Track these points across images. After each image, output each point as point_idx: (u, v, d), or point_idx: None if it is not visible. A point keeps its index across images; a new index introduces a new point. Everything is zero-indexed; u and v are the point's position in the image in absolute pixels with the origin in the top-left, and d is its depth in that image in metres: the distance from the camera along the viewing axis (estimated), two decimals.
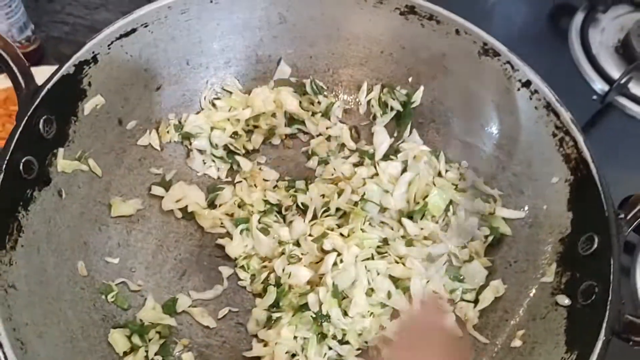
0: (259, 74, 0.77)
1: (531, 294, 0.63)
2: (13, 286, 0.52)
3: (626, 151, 0.89)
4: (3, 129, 0.76)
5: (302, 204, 0.72)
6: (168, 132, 0.72)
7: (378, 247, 0.68)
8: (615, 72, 0.98)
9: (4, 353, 0.47)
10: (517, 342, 0.60)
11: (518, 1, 1.13)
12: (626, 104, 0.95)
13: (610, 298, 0.52)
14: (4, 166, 0.54)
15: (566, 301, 0.58)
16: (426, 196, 0.69)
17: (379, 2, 0.72)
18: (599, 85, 0.98)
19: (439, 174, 0.73)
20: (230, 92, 0.76)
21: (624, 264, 0.74)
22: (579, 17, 1.07)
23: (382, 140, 0.75)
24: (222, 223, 0.70)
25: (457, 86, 0.73)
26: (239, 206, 0.71)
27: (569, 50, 1.04)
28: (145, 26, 0.67)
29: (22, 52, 0.85)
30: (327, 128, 0.77)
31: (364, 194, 0.70)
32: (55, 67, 0.61)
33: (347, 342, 0.63)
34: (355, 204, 0.70)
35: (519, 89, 0.67)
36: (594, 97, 0.97)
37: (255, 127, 0.75)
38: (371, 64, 0.77)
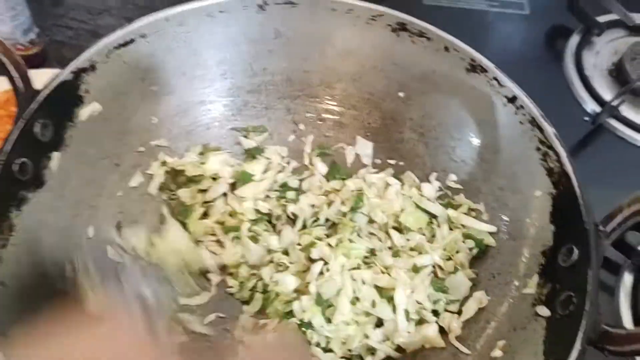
0: (254, 87, 0.79)
1: (513, 305, 0.63)
2: (2, 283, 0.54)
3: (615, 172, 0.90)
4: (3, 130, 0.78)
5: (292, 213, 0.73)
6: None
7: (365, 257, 0.69)
8: (608, 95, 0.99)
9: None
10: (497, 352, 0.60)
11: (515, 22, 1.15)
12: (617, 127, 0.96)
13: (586, 308, 0.53)
14: (0, 167, 0.56)
15: (546, 312, 0.59)
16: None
17: (371, 18, 0.74)
18: (591, 107, 0.99)
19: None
20: None
21: (608, 284, 0.75)
22: (574, 40, 1.09)
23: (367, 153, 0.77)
24: (213, 231, 0.72)
25: (447, 101, 0.74)
26: (230, 215, 0.73)
27: (563, 71, 1.06)
28: (144, 37, 0.70)
29: (24, 54, 0.90)
30: None
31: (353, 204, 0.71)
32: (56, 71, 0.63)
33: (331, 350, 0.64)
34: (344, 215, 0.71)
35: (505, 104, 0.69)
36: (586, 118, 0.98)
37: None
38: (364, 79, 0.79)
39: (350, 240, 0.69)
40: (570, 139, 0.96)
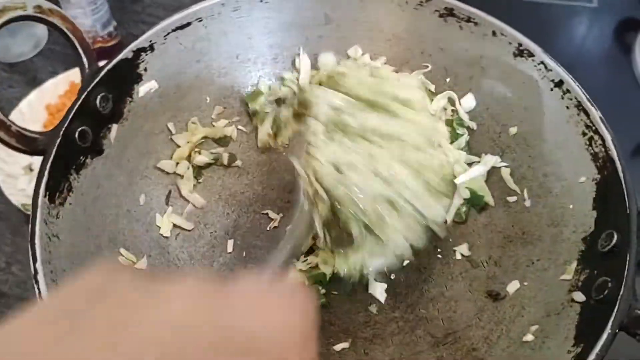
0: None
1: (549, 292, 0.62)
2: (57, 236, 0.59)
3: None
4: None
5: None
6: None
7: None
8: None
9: (39, 289, 0.53)
10: (529, 337, 0.59)
11: (583, 15, 1.11)
12: None
13: (621, 293, 0.51)
14: (62, 131, 0.61)
15: (581, 297, 0.57)
16: None
17: (419, 4, 0.75)
18: None
19: None
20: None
21: None
22: None
23: None
24: None
25: (493, 86, 0.73)
26: None
27: (632, 66, 1.02)
28: (200, 20, 0.74)
29: (103, 46, 0.97)
30: None
31: None
32: None
33: None
34: None
35: (551, 89, 0.67)
36: None
37: None
38: (412, 64, 0.79)
39: None
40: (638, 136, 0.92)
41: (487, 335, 0.63)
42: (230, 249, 0.71)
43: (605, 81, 1.02)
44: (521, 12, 1.12)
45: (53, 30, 0.65)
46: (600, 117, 0.62)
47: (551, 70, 0.67)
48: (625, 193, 0.57)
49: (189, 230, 0.72)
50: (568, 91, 0.66)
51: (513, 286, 0.65)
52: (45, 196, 0.58)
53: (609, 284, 0.54)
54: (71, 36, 0.65)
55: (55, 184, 0.60)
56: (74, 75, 0.93)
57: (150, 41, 0.71)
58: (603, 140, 0.61)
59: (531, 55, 0.69)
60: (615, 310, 0.50)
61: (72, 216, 0.62)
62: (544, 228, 0.67)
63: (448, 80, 0.77)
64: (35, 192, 0.58)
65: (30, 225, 0.56)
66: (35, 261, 0.54)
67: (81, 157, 0.65)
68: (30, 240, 0.55)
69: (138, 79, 0.71)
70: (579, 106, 0.64)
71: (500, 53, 0.71)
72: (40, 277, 0.54)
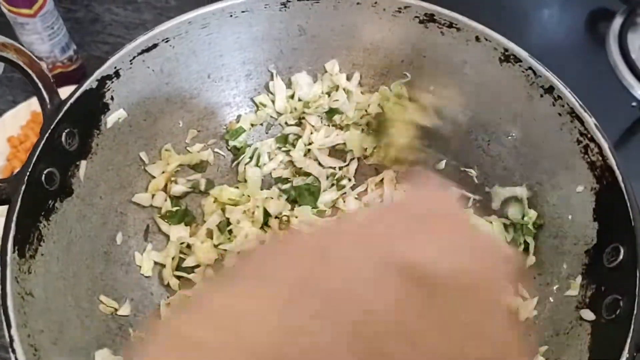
0: None
1: (555, 309, 0.60)
2: (30, 294, 0.54)
3: None
4: None
5: None
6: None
7: None
8: None
9: (16, 359, 0.49)
10: (539, 359, 0.57)
11: (554, 6, 1.10)
12: None
13: (635, 313, 0.49)
14: (26, 178, 0.56)
15: (590, 316, 0.55)
16: None
17: (397, 10, 0.72)
18: (639, 92, 0.94)
19: None
20: None
21: None
22: (617, 22, 1.03)
23: None
24: None
25: (479, 94, 0.71)
26: None
27: (607, 56, 1.01)
28: (167, 41, 0.69)
29: (64, 71, 0.91)
30: None
31: None
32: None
33: None
34: None
35: (542, 96, 0.65)
36: (634, 104, 0.93)
37: None
38: (392, 73, 0.76)
39: None
40: (617, 126, 0.92)
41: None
42: None
43: (580, 72, 1.00)
44: (492, 4, 1.10)
45: None
46: (595, 124, 0.60)
47: (540, 76, 0.65)
48: (628, 203, 0.55)
49: None
50: (559, 97, 0.63)
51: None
52: (14, 251, 0.53)
53: (621, 303, 0.52)
54: (28, 70, 0.60)
55: (24, 235, 0.55)
56: (35, 104, 0.86)
57: (115, 67, 0.66)
58: (600, 148, 0.59)
59: (518, 60, 0.66)
60: (631, 331, 0.49)
61: (45, 268, 0.57)
62: (542, 239, 0.65)
63: (431, 88, 0.74)
64: (2, 248, 0.53)
65: (0, 286, 0.51)
66: (9, 327, 0.50)
67: (50, 202, 0.60)
68: (2, 304, 0.50)
69: (105, 109, 0.66)
70: (572, 113, 0.62)
71: (485, 59, 0.69)
72: (16, 344, 0.49)
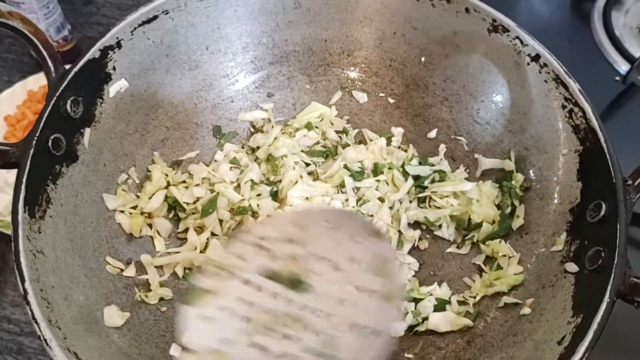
0: (276, 58, 0.80)
1: (541, 264, 0.63)
2: (41, 252, 0.56)
3: None
4: None
5: None
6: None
7: None
8: (638, 53, 0.97)
9: (31, 310, 0.51)
10: (526, 310, 0.61)
11: None
12: None
13: (615, 261, 0.53)
14: (34, 142, 0.58)
15: (574, 268, 0.59)
16: None
17: None
18: (623, 67, 0.97)
19: None
20: None
21: None
22: (601, 1, 1.06)
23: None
24: None
25: (469, 64, 0.74)
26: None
27: (592, 33, 1.04)
28: (166, 13, 0.71)
29: (59, 50, 0.92)
30: None
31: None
32: None
33: None
34: None
35: (528, 64, 0.68)
36: (617, 78, 0.96)
37: None
38: (385, 45, 0.79)
39: None
40: (602, 100, 0.95)
41: (482, 311, 0.64)
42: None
43: (566, 49, 1.03)
44: None
45: (5, 37, 0.61)
46: (579, 89, 0.63)
47: (527, 44, 0.68)
48: (610, 163, 0.58)
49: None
50: (545, 65, 0.66)
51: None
52: (25, 211, 0.55)
53: (602, 254, 0.55)
54: (34, 39, 0.61)
55: (33, 197, 0.57)
56: (32, 83, 0.88)
57: (117, 38, 0.68)
58: (584, 112, 0.62)
59: (506, 30, 0.69)
60: (612, 278, 0.52)
61: (54, 229, 0.59)
62: (529, 201, 0.68)
63: (423, 59, 0.77)
64: (14, 208, 0.55)
65: (13, 244, 0.53)
66: (23, 281, 0.52)
67: (56, 166, 0.62)
68: (15, 260, 0.53)
69: (107, 78, 0.68)
70: (557, 79, 0.65)
71: (474, 29, 0.71)
72: (30, 296, 0.51)
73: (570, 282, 0.58)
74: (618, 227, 0.54)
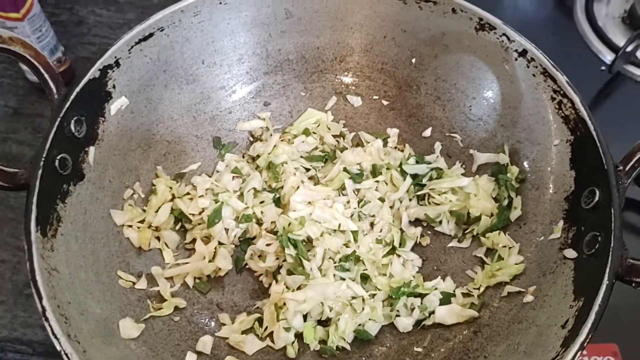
0: (271, 68, 0.82)
1: (541, 252, 0.65)
2: (56, 269, 0.58)
3: (637, 116, 0.90)
4: None
5: None
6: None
7: None
8: (622, 42, 0.99)
9: (50, 327, 0.52)
10: (529, 298, 0.63)
11: None
12: (636, 72, 0.96)
13: (612, 245, 0.55)
14: (42, 163, 0.60)
15: (573, 254, 0.60)
16: None
17: None
18: (608, 57, 0.99)
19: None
20: None
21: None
22: None
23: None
24: None
25: (459, 62, 0.76)
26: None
27: (575, 25, 1.06)
28: (162, 30, 0.73)
29: None
30: None
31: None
32: None
33: None
34: None
35: (516, 59, 0.70)
36: (602, 68, 0.98)
37: None
38: (376, 49, 0.81)
39: None
40: (590, 90, 0.97)
41: (487, 302, 0.66)
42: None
43: (551, 43, 1.05)
44: None
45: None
46: (567, 81, 0.65)
47: (514, 41, 0.70)
48: (601, 150, 0.60)
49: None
50: (532, 59, 0.69)
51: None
52: (37, 231, 0.57)
53: (599, 238, 0.57)
54: (35, 63, 0.63)
55: (44, 216, 0.59)
56: None
57: (115, 57, 0.69)
58: (572, 102, 0.65)
59: (492, 28, 0.71)
60: (609, 261, 0.54)
61: (66, 246, 0.61)
62: (525, 191, 0.70)
63: (413, 61, 0.79)
64: (26, 228, 0.56)
65: (28, 263, 0.55)
66: (41, 298, 0.53)
67: (64, 185, 0.63)
68: (31, 278, 0.54)
69: (108, 97, 0.69)
70: (545, 73, 0.67)
71: (462, 29, 0.74)
72: (49, 313, 0.53)
73: (570, 267, 0.60)
74: (612, 212, 0.56)
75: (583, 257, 0.59)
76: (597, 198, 0.59)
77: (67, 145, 0.64)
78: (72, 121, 0.64)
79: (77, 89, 0.65)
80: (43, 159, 0.60)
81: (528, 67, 0.69)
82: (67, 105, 0.64)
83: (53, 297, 0.55)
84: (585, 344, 0.51)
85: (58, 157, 0.62)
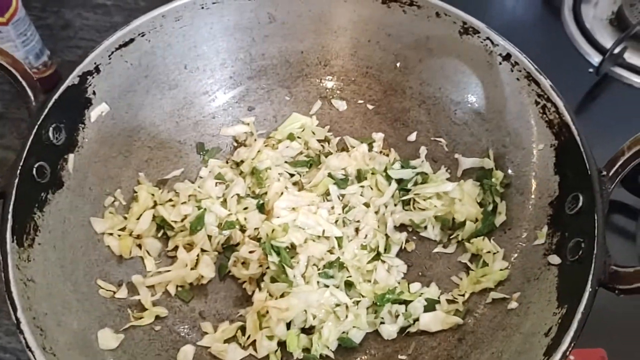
0: (254, 72, 0.81)
1: (525, 258, 0.65)
2: (32, 280, 0.57)
3: (624, 118, 0.90)
4: None
5: None
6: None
7: None
8: (610, 44, 0.98)
9: (25, 339, 0.51)
10: (513, 304, 0.62)
11: None
12: (623, 74, 0.95)
13: (595, 251, 0.54)
14: (18, 171, 0.59)
15: (557, 260, 0.60)
16: None
17: None
18: (596, 59, 0.99)
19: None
20: None
21: (629, 230, 0.76)
22: None
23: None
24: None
25: (443, 66, 0.75)
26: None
27: (563, 27, 1.06)
28: (143, 35, 0.72)
29: (39, 77, 0.93)
30: None
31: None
32: None
33: None
34: None
35: (500, 63, 0.70)
36: (590, 70, 0.98)
37: None
38: (360, 53, 0.80)
39: None
40: (577, 92, 0.97)
41: (471, 308, 0.65)
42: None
43: (539, 44, 1.05)
44: None
45: None
46: (551, 85, 0.65)
47: (497, 44, 0.69)
48: (584, 155, 0.60)
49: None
50: (516, 63, 0.68)
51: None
52: (12, 240, 0.56)
53: (582, 244, 0.57)
54: (12, 70, 0.62)
55: (21, 226, 0.58)
56: None
57: (95, 63, 0.68)
58: (556, 107, 0.64)
59: (476, 32, 0.71)
60: (592, 268, 0.53)
61: (44, 256, 0.60)
62: (510, 196, 0.70)
63: (398, 64, 0.78)
64: (1, 238, 0.56)
65: (3, 274, 0.54)
66: (15, 310, 0.52)
67: (42, 194, 0.62)
68: (6, 290, 0.53)
69: (88, 103, 0.69)
70: (529, 77, 0.67)
71: (446, 33, 0.73)
72: (23, 325, 0.52)
73: (554, 274, 0.60)
74: (596, 218, 0.56)
75: (567, 263, 0.59)
76: (580, 204, 0.59)
77: (46, 153, 0.63)
78: (51, 128, 0.64)
79: (55, 96, 0.64)
80: (20, 167, 0.59)
81: (512, 71, 0.69)
82: (44, 113, 0.63)
83: (29, 308, 0.54)
84: (568, 353, 0.51)
85: (36, 166, 0.61)
